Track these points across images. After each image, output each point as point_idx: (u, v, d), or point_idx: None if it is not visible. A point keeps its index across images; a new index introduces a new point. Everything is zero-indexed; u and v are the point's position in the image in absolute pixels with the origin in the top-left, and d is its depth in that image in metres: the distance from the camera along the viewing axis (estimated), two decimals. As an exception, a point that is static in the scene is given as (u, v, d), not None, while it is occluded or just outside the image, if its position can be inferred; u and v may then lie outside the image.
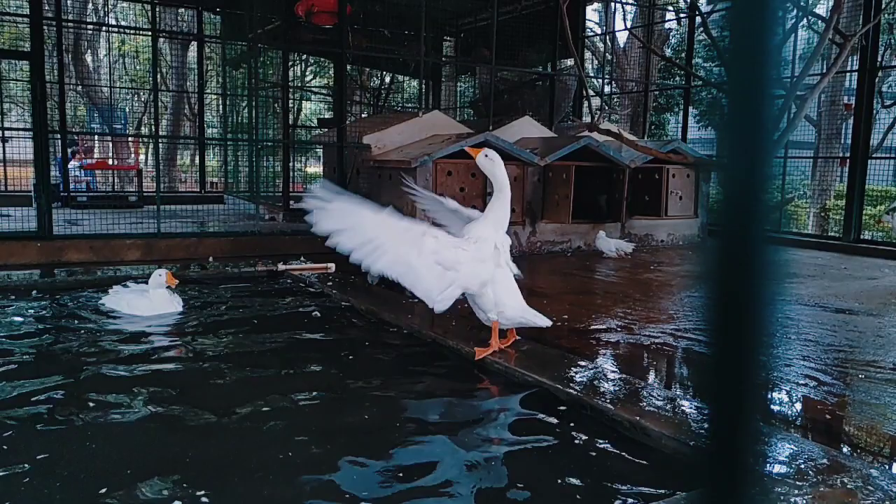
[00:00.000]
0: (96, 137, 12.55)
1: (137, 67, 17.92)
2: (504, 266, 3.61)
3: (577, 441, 2.74)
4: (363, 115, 12.95)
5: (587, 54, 15.03)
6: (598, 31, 15.94)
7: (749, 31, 0.51)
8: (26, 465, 2.37)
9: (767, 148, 0.51)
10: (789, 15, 7.80)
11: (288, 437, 2.68)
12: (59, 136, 10.49)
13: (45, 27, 7.82)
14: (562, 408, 3.02)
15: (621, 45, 15.74)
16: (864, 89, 8.74)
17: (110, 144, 13.36)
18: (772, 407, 3.08)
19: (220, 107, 13.26)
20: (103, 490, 2.22)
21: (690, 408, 2.89)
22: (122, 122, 13.04)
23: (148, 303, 4.50)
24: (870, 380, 3.46)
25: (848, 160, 9.17)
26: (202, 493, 2.19)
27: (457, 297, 3.44)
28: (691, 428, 2.66)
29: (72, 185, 11.73)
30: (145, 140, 14.97)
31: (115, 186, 13.83)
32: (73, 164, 11.35)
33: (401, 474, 2.41)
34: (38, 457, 2.45)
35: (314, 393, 3.22)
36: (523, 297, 3.70)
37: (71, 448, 2.53)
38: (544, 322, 3.65)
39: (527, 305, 3.65)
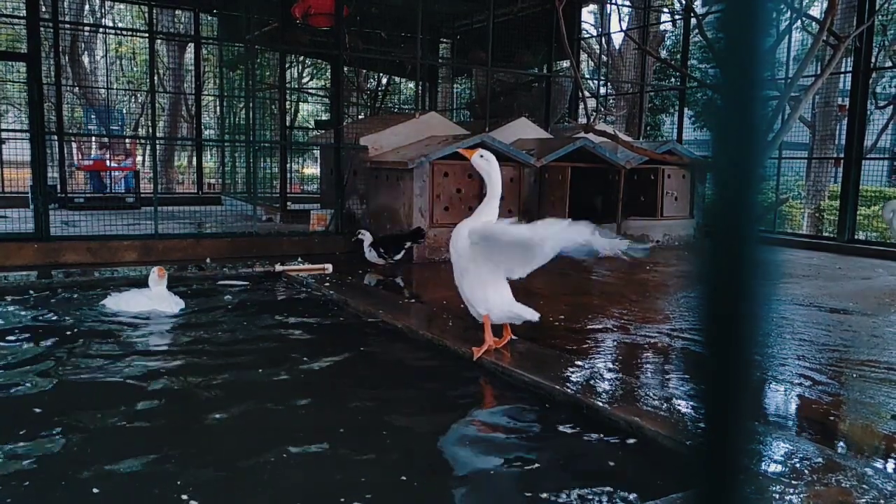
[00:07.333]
0: (93, 139, 12.53)
1: (134, 69, 17.89)
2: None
3: (574, 441, 2.75)
4: (360, 117, 12.96)
5: (583, 56, 15.07)
6: (594, 33, 15.98)
7: (742, 32, 0.51)
8: (19, 466, 2.38)
9: (761, 149, 0.52)
10: (783, 17, 7.84)
11: (278, 441, 2.67)
12: (55, 137, 10.47)
13: (41, 28, 7.81)
14: (559, 408, 3.04)
15: (617, 47, 15.78)
16: (858, 90, 8.79)
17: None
18: (767, 406, 3.11)
19: (218, 108, 13.24)
20: (95, 491, 2.23)
21: (686, 407, 2.91)
22: (120, 123, 13.01)
23: (147, 302, 4.51)
24: (864, 379, 3.48)
25: (842, 161, 9.22)
26: (186, 497, 2.19)
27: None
28: (687, 427, 2.68)
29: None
30: (142, 141, 14.93)
31: (112, 188, 13.76)
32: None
33: (393, 475, 2.42)
34: (30, 457, 2.45)
35: (306, 394, 3.22)
36: (521, 298, 3.73)
37: (62, 449, 2.53)
38: (533, 316, 3.68)
39: (514, 300, 3.69)
